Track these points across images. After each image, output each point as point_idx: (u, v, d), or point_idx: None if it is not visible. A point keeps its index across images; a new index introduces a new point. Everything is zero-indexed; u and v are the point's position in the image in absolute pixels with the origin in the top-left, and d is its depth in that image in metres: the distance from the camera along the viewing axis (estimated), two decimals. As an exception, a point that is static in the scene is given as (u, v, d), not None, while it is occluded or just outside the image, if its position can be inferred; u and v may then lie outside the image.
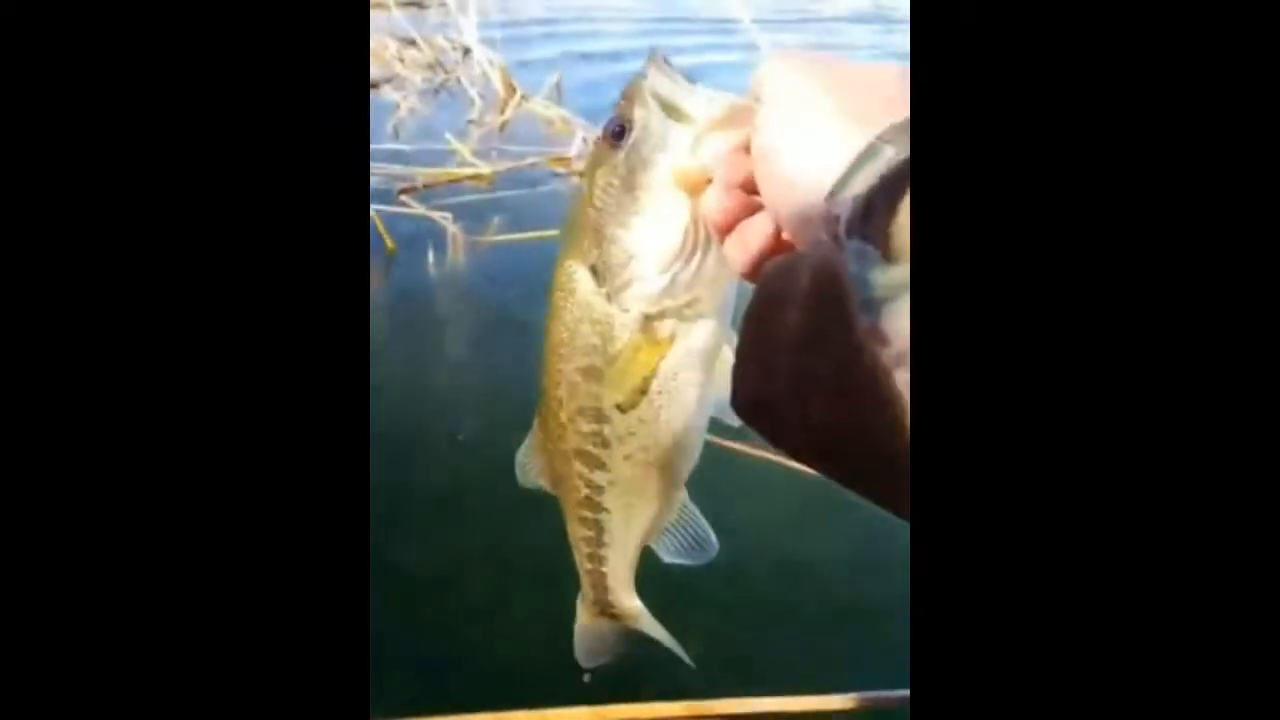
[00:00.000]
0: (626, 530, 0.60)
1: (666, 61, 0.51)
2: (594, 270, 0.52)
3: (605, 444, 0.55)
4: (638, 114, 0.50)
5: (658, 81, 0.50)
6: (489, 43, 4.58)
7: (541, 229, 2.97)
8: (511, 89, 4.29)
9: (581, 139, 3.67)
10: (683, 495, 0.59)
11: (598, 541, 0.62)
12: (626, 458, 0.55)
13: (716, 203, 0.47)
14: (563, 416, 0.56)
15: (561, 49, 5.39)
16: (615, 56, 5.50)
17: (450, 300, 2.61)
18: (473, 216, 3.04)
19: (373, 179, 3.17)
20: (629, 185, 0.50)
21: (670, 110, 0.49)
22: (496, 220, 3.05)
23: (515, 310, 2.51)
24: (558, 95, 4.45)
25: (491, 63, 4.43)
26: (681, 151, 0.48)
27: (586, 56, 5.37)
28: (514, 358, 2.27)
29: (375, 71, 4.68)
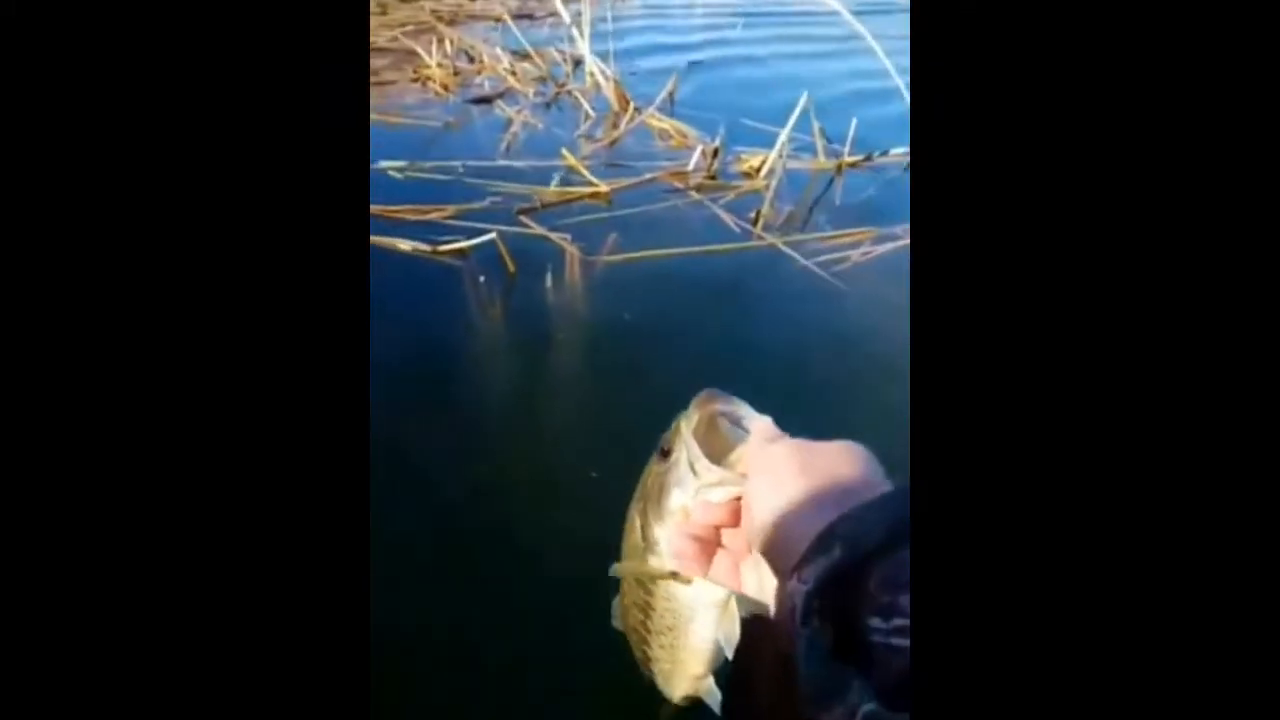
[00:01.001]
0: (667, 687, 0.79)
1: (713, 404, 0.64)
2: (641, 527, 0.68)
3: (649, 631, 0.74)
4: (676, 447, 0.64)
5: (690, 438, 0.63)
6: (601, 53, 4.52)
7: (659, 247, 2.87)
8: (625, 102, 4.21)
9: (700, 152, 3.54)
10: (708, 681, 0.74)
11: (650, 683, 0.83)
12: (661, 647, 0.74)
13: (670, 542, 0.62)
14: (626, 600, 0.76)
15: (672, 57, 5.29)
16: (726, 63, 5.37)
17: (569, 325, 2.53)
18: (590, 236, 2.96)
19: (489, 199, 3.13)
20: (658, 498, 0.65)
21: (689, 463, 0.63)
22: (613, 238, 2.95)
23: (634, 338, 2.42)
24: (670, 106, 4.35)
25: (605, 74, 4.35)
26: (688, 495, 0.63)
27: (697, 63, 5.26)
28: (633, 390, 2.18)
29: (488, 86, 4.68)
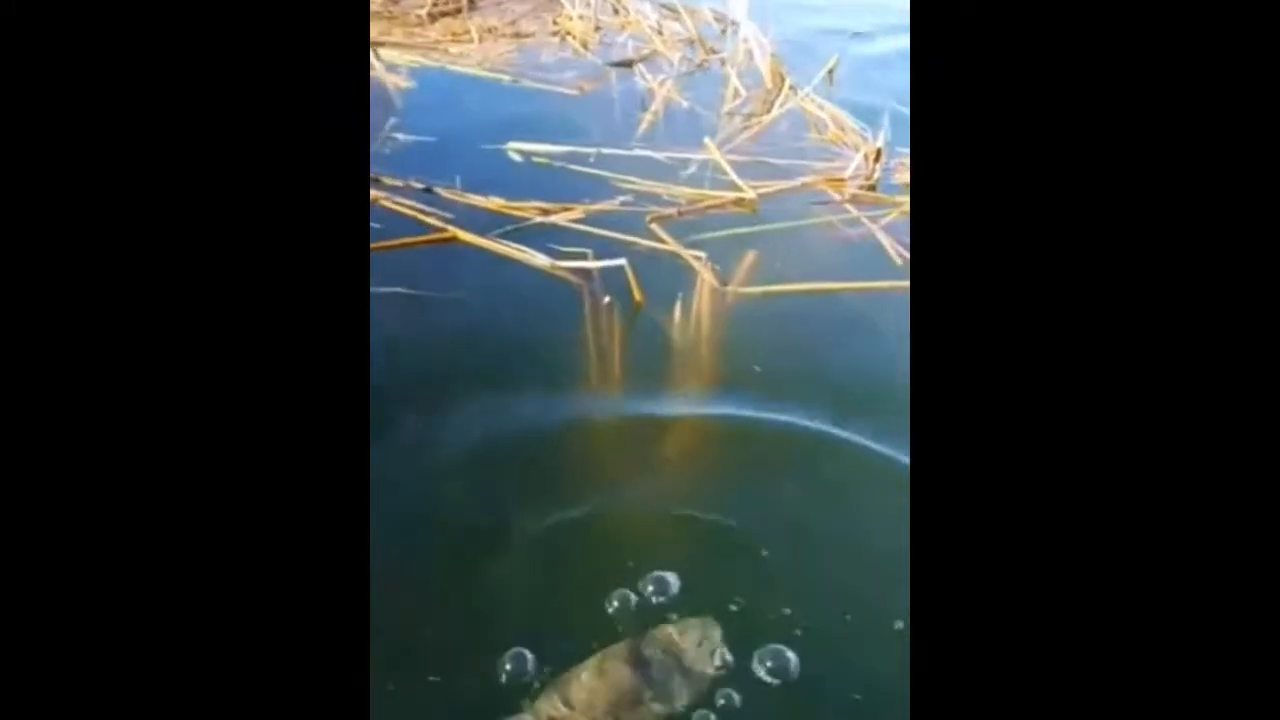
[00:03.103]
0: None
1: None
2: None
3: None
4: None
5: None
6: (759, 15, 4.08)
7: (804, 274, 2.52)
8: (780, 79, 3.78)
9: (861, 157, 3.12)
10: None
11: None
12: None
13: None
14: None
15: (834, 26, 4.76)
16: (896, 34, 4.81)
17: (693, 374, 2.23)
18: (727, 254, 2.62)
19: (619, 198, 2.83)
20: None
21: None
22: (751, 258, 2.61)
23: (763, 396, 2.10)
24: (829, 87, 3.89)
25: (760, 44, 3.92)
26: None
27: (860, 35, 4.71)
28: (749, 463, 1.90)
29: (630, 47, 4.32)
